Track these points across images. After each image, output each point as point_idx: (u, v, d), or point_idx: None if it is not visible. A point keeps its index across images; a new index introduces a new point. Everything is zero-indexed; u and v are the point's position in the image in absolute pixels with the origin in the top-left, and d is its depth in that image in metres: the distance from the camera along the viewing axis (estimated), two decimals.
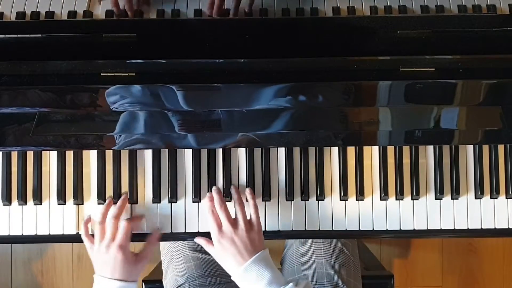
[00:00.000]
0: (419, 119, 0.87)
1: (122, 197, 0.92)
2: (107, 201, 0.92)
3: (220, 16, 0.92)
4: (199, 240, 0.92)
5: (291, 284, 0.83)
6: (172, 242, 1.07)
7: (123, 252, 0.87)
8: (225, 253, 0.86)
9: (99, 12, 0.95)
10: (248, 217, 0.89)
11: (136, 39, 0.87)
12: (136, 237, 0.92)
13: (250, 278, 0.84)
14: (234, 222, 0.88)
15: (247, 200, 0.91)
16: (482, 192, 0.93)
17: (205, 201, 0.92)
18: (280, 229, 0.94)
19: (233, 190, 0.92)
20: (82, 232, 0.92)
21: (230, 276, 0.99)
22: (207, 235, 0.92)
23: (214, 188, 0.92)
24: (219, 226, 0.88)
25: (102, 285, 0.88)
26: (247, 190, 0.92)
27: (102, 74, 0.85)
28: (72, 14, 0.95)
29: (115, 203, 0.92)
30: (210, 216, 0.89)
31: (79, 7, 0.95)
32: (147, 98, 0.85)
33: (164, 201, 0.93)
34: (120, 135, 0.87)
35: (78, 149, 0.91)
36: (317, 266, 1.01)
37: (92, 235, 0.91)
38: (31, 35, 0.88)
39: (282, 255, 1.12)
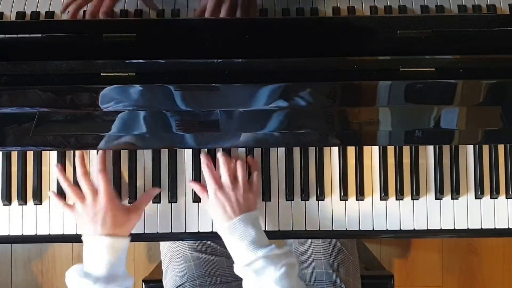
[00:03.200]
0: (419, 119, 0.87)
1: (77, 153, 0.89)
2: (58, 168, 0.89)
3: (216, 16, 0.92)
4: (193, 185, 0.91)
5: (273, 245, 0.83)
6: (172, 242, 1.07)
7: (112, 200, 0.85)
8: (217, 204, 0.86)
9: (99, 12, 0.95)
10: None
11: (136, 39, 0.87)
12: (135, 237, 0.92)
13: (234, 234, 0.84)
14: (234, 178, 0.88)
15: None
16: (482, 192, 0.93)
17: (201, 157, 0.90)
18: (280, 229, 0.94)
19: (234, 157, 0.91)
20: (59, 205, 0.89)
21: (230, 276, 0.99)
22: (207, 234, 0.92)
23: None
24: (217, 177, 0.87)
25: (92, 246, 0.85)
26: (249, 157, 0.92)
27: (102, 74, 0.85)
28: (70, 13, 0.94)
29: None
30: (205, 168, 0.88)
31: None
32: (147, 98, 0.85)
33: (164, 201, 0.93)
34: (120, 135, 0.86)
35: (78, 149, 0.91)
36: (316, 265, 1.01)
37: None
38: (31, 35, 0.88)
39: None
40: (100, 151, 0.89)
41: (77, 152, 0.90)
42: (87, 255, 0.85)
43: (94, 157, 0.93)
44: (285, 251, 0.84)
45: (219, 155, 0.90)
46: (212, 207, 0.87)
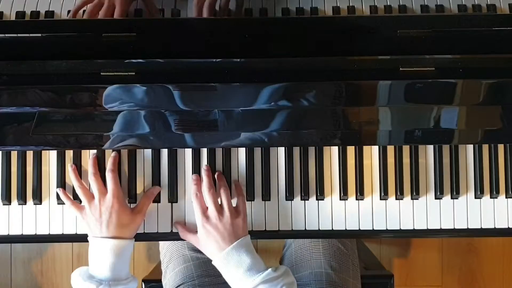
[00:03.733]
0: (419, 118, 0.87)
1: (91, 157, 0.90)
2: (72, 168, 0.90)
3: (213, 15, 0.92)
4: (177, 226, 0.91)
5: (269, 269, 0.83)
6: (171, 242, 1.07)
7: (119, 200, 0.86)
8: (208, 237, 0.86)
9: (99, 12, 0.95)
10: (234, 204, 0.89)
11: (136, 39, 0.87)
12: (135, 237, 0.92)
13: (230, 263, 0.84)
14: (219, 207, 0.87)
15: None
16: (482, 192, 0.93)
17: (192, 185, 0.90)
18: (280, 229, 0.94)
19: (218, 177, 0.91)
20: (67, 203, 0.90)
21: None
22: None
23: (204, 167, 0.91)
24: (204, 210, 0.87)
25: (97, 248, 0.85)
26: (234, 181, 0.92)
27: (102, 73, 0.85)
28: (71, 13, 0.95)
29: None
30: (194, 199, 0.88)
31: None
32: (146, 98, 0.85)
33: (164, 200, 0.93)
34: (120, 135, 0.86)
35: (78, 149, 0.91)
36: (316, 265, 1.01)
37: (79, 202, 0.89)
38: (31, 35, 0.88)
39: (281, 254, 1.12)
40: (113, 153, 0.90)
41: (92, 153, 0.91)
42: (92, 257, 0.86)
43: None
44: (282, 272, 0.85)
45: (204, 185, 0.89)
46: (203, 241, 0.87)
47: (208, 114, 0.86)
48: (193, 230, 0.90)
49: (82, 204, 0.89)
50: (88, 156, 0.93)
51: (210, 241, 0.86)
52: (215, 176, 0.92)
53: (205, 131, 0.86)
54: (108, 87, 0.84)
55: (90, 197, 0.88)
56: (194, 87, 0.85)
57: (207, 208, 0.88)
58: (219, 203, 0.88)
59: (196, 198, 0.88)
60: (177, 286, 1.02)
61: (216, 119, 0.86)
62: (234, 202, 0.90)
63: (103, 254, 0.84)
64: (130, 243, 0.87)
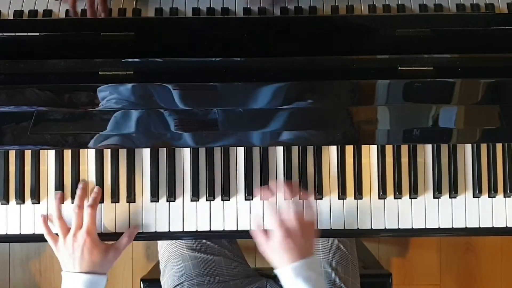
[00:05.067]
0: (417, 118, 0.87)
1: (80, 185, 0.91)
2: (57, 196, 0.91)
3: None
4: (255, 234, 0.90)
5: None
6: (169, 241, 1.07)
7: (91, 237, 0.86)
8: (284, 248, 0.85)
9: (97, 11, 0.95)
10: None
11: (134, 38, 0.86)
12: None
13: (298, 277, 0.83)
14: (301, 221, 0.87)
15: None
16: (480, 191, 0.93)
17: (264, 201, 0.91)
18: None
19: (306, 194, 0.92)
20: (44, 232, 0.90)
21: (228, 275, 0.99)
22: (205, 233, 0.92)
23: (293, 182, 0.92)
24: (284, 221, 0.87)
25: (69, 282, 0.86)
26: (310, 196, 0.93)
27: (100, 72, 0.85)
28: (70, 12, 0.94)
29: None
30: (268, 210, 0.89)
31: (77, 5, 0.95)
32: (144, 97, 0.85)
33: (162, 199, 0.93)
34: (118, 134, 0.86)
35: (76, 148, 0.91)
36: None
37: (56, 234, 0.90)
38: (29, 34, 0.88)
39: None
40: (96, 188, 0.91)
41: (80, 184, 0.91)
42: None
43: (92, 156, 0.93)
44: None
45: (290, 196, 0.90)
46: (277, 250, 0.86)
47: (205, 114, 0.86)
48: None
49: (58, 235, 0.89)
50: (86, 156, 0.93)
51: (285, 252, 0.85)
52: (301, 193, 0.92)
53: (203, 130, 0.86)
54: (106, 86, 0.84)
55: (66, 231, 0.88)
56: (193, 86, 0.85)
57: (288, 218, 0.87)
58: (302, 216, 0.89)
59: (271, 209, 0.89)
60: (176, 286, 1.01)
61: (213, 119, 0.86)
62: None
63: None
64: (103, 278, 0.87)
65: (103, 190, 0.93)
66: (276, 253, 0.86)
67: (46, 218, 0.91)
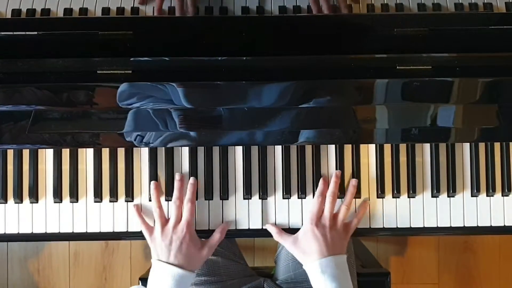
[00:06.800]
0: (415, 117, 0.87)
1: (177, 177, 0.91)
2: (153, 186, 0.90)
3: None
4: (270, 227, 0.91)
5: None
6: None
7: (191, 231, 0.87)
8: (313, 238, 0.87)
9: (95, 10, 0.95)
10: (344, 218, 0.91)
11: (133, 37, 0.86)
12: (132, 235, 0.91)
13: (325, 272, 0.85)
14: (335, 218, 0.89)
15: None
16: (478, 190, 0.93)
17: (320, 183, 0.91)
18: None
19: (352, 189, 0.92)
20: (139, 222, 0.90)
21: (225, 275, 0.99)
22: (203, 233, 0.91)
23: (336, 174, 0.91)
24: (319, 212, 0.89)
25: (159, 272, 0.86)
26: (365, 201, 0.93)
27: (98, 71, 0.85)
28: (68, 11, 0.94)
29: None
30: (316, 199, 0.90)
31: (75, 4, 0.95)
32: (143, 96, 0.85)
33: (161, 199, 0.93)
34: (117, 133, 0.86)
35: (74, 147, 0.91)
36: None
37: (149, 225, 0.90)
38: (27, 33, 0.88)
39: (277, 252, 1.12)
40: (192, 178, 0.91)
41: (177, 176, 0.91)
42: (152, 279, 0.86)
43: (90, 155, 0.93)
44: None
45: (330, 192, 0.90)
46: (306, 238, 0.88)
47: (204, 113, 0.86)
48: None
49: (154, 225, 0.90)
50: (85, 155, 0.92)
51: (314, 242, 0.87)
52: (350, 188, 0.92)
53: (202, 130, 0.86)
54: (105, 85, 0.84)
55: (164, 222, 0.89)
56: (191, 85, 0.85)
57: (323, 212, 0.89)
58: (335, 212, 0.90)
59: (318, 199, 0.90)
60: None
61: (212, 118, 0.86)
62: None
63: (164, 279, 0.85)
64: (192, 275, 0.87)
65: (101, 189, 0.92)
66: (304, 240, 0.88)
67: (139, 208, 0.92)
